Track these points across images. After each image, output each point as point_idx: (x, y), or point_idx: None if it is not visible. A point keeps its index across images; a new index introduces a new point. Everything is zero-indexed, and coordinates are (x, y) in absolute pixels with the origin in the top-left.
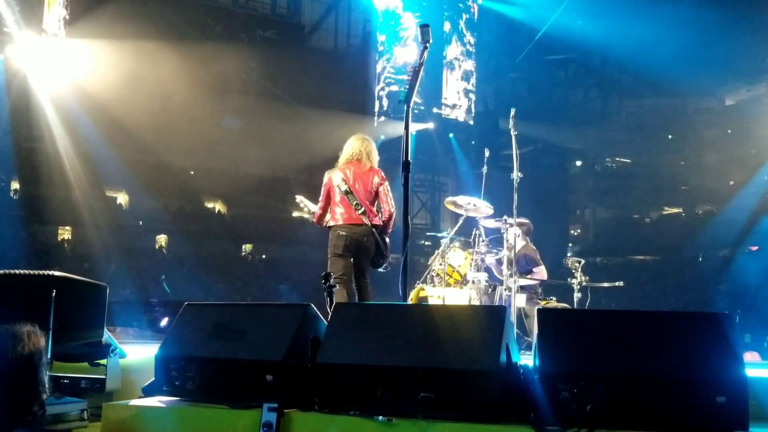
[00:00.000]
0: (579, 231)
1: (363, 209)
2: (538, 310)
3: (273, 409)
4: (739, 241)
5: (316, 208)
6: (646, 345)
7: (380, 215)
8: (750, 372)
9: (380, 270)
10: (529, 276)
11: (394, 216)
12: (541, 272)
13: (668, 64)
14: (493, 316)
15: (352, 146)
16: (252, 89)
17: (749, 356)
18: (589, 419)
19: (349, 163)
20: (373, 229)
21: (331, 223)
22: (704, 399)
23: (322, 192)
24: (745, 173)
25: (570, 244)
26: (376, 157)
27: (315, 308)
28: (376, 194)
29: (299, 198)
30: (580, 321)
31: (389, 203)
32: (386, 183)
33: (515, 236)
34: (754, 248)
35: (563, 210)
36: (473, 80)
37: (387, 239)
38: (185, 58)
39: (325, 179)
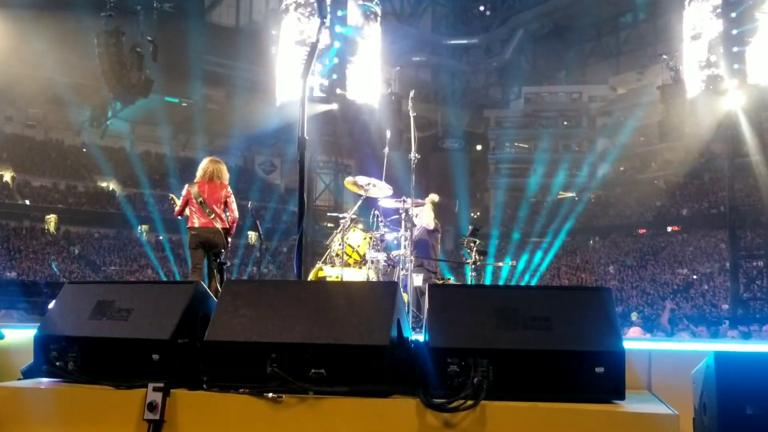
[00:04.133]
0: (478, 213)
1: (213, 215)
2: (429, 285)
3: (158, 389)
4: (629, 224)
5: (178, 207)
6: (530, 318)
7: (227, 220)
8: (627, 344)
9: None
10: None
11: (236, 220)
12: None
13: (565, 52)
14: (384, 292)
15: (205, 167)
16: (148, 64)
17: (634, 332)
18: (475, 391)
19: (203, 179)
20: (221, 230)
21: (189, 225)
22: (584, 369)
23: (181, 199)
24: (635, 160)
25: (470, 227)
26: (225, 175)
27: (204, 286)
28: (225, 204)
29: (171, 196)
30: (468, 296)
31: (234, 211)
32: (232, 196)
33: (420, 215)
34: (642, 231)
35: (464, 192)
36: (378, 63)
37: (230, 238)
38: (76, 28)
39: (185, 191)
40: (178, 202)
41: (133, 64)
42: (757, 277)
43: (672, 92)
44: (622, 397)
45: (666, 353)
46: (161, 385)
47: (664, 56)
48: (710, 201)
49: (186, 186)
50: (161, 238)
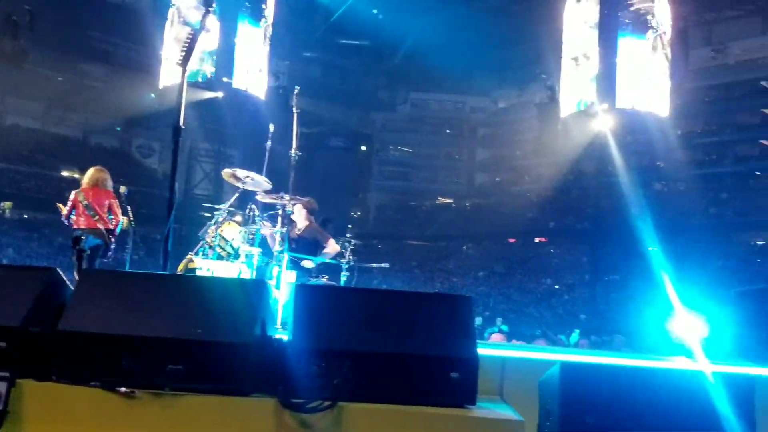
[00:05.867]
0: (359, 213)
1: (98, 217)
2: (295, 285)
3: (3, 378)
4: (501, 233)
5: (65, 212)
6: (393, 323)
7: (111, 222)
8: (482, 351)
9: (105, 260)
10: (324, 252)
11: (120, 222)
12: (332, 246)
13: (452, 62)
14: (250, 289)
15: (92, 175)
16: (24, 33)
17: (496, 337)
18: (334, 392)
19: (89, 186)
20: (104, 230)
21: (75, 227)
22: (440, 374)
23: (69, 203)
24: (510, 172)
25: (349, 226)
26: (109, 183)
27: (61, 273)
28: (109, 208)
29: (58, 205)
30: (334, 297)
31: (117, 215)
32: (116, 201)
33: (299, 213)
34: (512, 240)
35: (346, 192)
36: (267, 54)
37: (113, 237)
38: None
39: (72, 196)
40: (65, 208)
41: (7, 32)
42: (613, 290)
43: (547, 110)
44: (473, 402)
45: (518, 361)
46: (6, 374)
47: (543, 75)
48: (576, 216)
49: (73, 192)
50: (26, 216)
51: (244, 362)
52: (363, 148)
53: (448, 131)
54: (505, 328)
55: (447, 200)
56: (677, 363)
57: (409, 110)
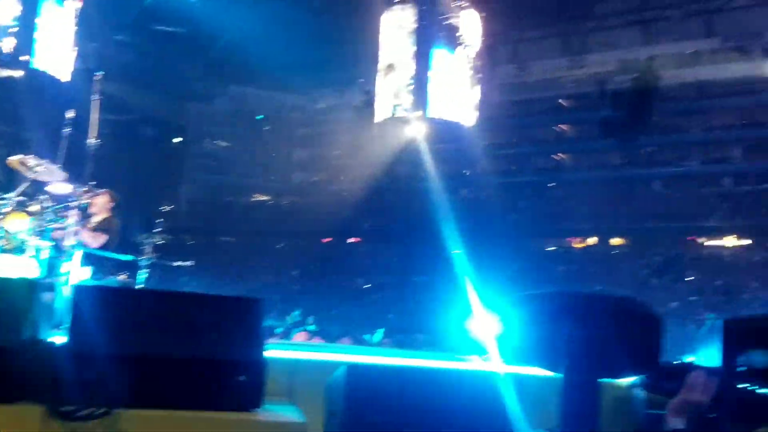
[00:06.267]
0: (170, 207)
1: None
2: (74, 285)
3: None
4: (316, 232)
5: None
6: (180, 325)
7: None
8: (272, 353)
9: None
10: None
11: None
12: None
13: (272, 58)
14: (22, 288)
15: None
16: None
17: (300, 336)
18: (109, 399)
19: None
20: None
21: None
22: (228, 378)
23: None
24: (328, 172)
25: (159, 220)
26: None
27: None
28: None
29: None
30: (117, 299)
31: None
32: None
33: (104, 206)
34: (327, 239)
35: (156, 184)
36: (74, 35)
37: None
38: None
39: None
40: None
41: None
42: (421, 290)
43: (364, 114)
44: (259, 405)
45: (308, 363)
46: None
47: (361, 79)
48: (388, 218)
49: None
50: None
51: (8, 367)
52: (177, 139)
53: (266, 128)
54: (312, 327)
55: (264, 197)
56: (467, 363)
57: (227, 104)
